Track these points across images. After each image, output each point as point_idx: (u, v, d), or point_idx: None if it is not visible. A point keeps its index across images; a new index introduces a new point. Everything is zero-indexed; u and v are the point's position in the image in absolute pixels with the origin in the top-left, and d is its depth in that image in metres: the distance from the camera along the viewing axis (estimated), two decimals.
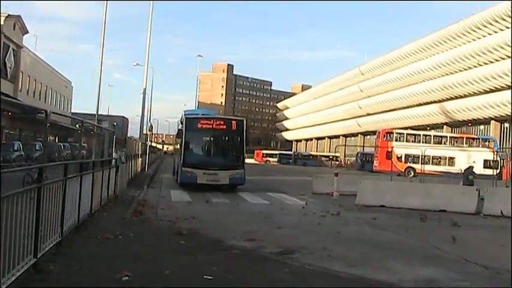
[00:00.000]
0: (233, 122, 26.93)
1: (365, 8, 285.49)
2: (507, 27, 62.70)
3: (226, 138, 27.01)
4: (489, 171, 45.15)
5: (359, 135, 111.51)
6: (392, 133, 60.96)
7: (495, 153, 49.43)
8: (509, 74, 60.25)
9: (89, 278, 7.54)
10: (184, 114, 27.67)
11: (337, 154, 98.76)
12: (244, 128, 26.43)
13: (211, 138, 26.57)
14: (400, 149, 55.01)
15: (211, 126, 26.22)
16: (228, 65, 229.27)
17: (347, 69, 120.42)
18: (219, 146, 26.90)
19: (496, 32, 65.75)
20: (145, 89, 47.68)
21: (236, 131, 26.31)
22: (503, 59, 63.88)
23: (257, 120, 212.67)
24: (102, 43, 42.36)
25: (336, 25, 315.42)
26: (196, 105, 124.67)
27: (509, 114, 61.88)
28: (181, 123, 26.95)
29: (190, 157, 25.65)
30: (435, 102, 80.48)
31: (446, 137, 63.15)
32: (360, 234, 13.84)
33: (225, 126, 26.54)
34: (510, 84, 60.22)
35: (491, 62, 66.55)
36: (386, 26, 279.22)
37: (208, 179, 24.83)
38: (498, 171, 45.43)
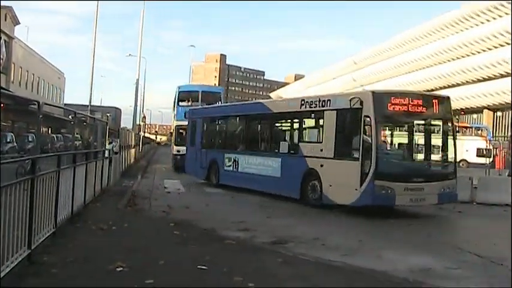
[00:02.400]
0: (437, 100, 16.66)
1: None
2: (500, 16, 62.74)
3: (431, 128, 17.21)
4: (482, 160, 45.45)
5: None
6: None
7: (488, 142, 49.60)
8: (503, 63, 60.32)
9: (83, 269, 7.53)
10: (373, 93, 15.62)
11: None
12: (452, 112, 17.28)
13: (413, 130, 17.06)
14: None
15: (411, 109, 15.72)
16: (221, 55, 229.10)
17: (340, 59, 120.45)
18: (422, 143, 17.20)
19: (488, 21, 65.77)
20: (138, 80, 47.67)
21: (443, 115, 16.77)
22: (495, 47, 63.93)
23: None
24: (95, 35, 42.23)
25: (329, 15, 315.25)
26: None
27: (502, 103, 61.97)
28: (357, 104, 15.46)
29: (385, 164, 15.50)
30: (428, 91, 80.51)
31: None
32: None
33: (428, 109, 16.19)
34: (503, 74, 60.28)
35: (484, 51, 66.61)
36: (380, 16, 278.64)
37: (411, 197, 15.36)
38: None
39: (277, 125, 21.22)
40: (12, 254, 6.64)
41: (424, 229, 13.11)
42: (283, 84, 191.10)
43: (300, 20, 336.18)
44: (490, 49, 65.70)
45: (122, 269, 7.47)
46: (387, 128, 17.02)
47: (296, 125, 19.24)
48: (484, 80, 66.92)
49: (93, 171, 14.50)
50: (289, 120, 19.96)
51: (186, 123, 29.76)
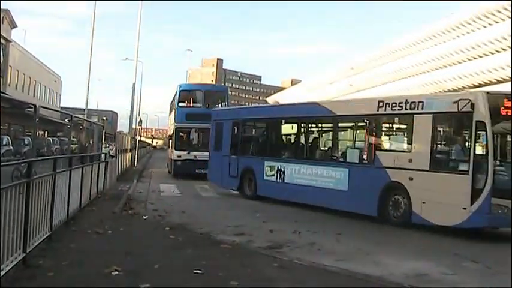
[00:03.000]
0: None
1: (355, 5, 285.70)
2: (496, 22, 62.91)
3: None
4: None
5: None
6: None
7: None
8: (499, 69, 60.49)
9: (78, 273, 7.51)
10: (487, 94, 13.34)
11: None
12: None
13: None
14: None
15: None
16: (218, 59, 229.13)
17: (337, 64, 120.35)
18: None
19: (485, 27, 65.95)
20: (134, 84, 47.52)
21: None
22: (492, 53, 64.10)
23: None
24: (92, 38, 42.23)
25: (325, 21, 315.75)
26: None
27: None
28: (466, 107, 13.08)
29: (503, 178, 13.25)
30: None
31: None
32: None
33: None
34: (499, 79, 60.46)
35: (480, 57, 66.77)
36: (377, 22, 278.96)
37: None
38: None
39: (341, 129, 18.41)
40: (8, 257, 6.62)
41: (420, 234, 13.11)
42: (280, 89, 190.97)
43: (297, 25, 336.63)
44: (486, 55, 65.88)
45: (117, 272, 7.46)
46: (500, 135, 13.68)
47: (371, 131, 16.17)
48: (480, 86, 67.06)
49: (89, 174, 14.50)
50: (360, 125, 16.97)
51: (188, 125, 29.72)
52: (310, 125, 19.47)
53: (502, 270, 9.42)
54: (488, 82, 64.84)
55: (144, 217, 13.80)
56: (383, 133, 16.29)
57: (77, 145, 16.87)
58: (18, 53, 57.61)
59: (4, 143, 35.57)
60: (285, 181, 18.78)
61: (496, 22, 62.21)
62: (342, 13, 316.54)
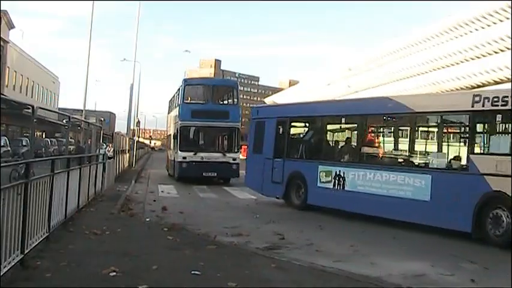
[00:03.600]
0: None
1: (353, 5, 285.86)
2: (494, 23, 62.94)
3: None
4: None
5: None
6: None
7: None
8: (497, 70, 60.54)
9: (76, 274, 7.51)
10: None
11: None
12: None
13: None
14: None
15: None
16: (216, 60, 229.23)
17: (335, 65, 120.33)
18: None
19: (483, 28, 65.98)
20: (132, 85, 47.55)
21: None
22: (490, 54, 64.16)
23: (245, 115, 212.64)
24: (90, 39, 42.15)
25: (323, 22, 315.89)
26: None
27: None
28: None
29: None
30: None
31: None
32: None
33: None
34: (497, 80, 60.49)
35: (478, 58, 66.79)
36: (375, 23, 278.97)
37: None
38: None
39: (422, 129, 15.84)
40: (5, 258, 6.61)
41: (418, 235, 13.11)
42: (278, 90, 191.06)
43: (295, 25, 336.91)
44: (484, 56, 65.93)
45: (115, 273, 7.46)
46: None
47: (463, 130, 14.11)
48: (479, 86, 67.09)
49: (87, 175, 14.50)
50: (447, 123, 14.78)
51: (194, 123, 27.59)
52: (379, 124, 17.08)
53: (500, 270, 9.43)
54: (487, 83, 64.98)
55: (147, 220, 13.77)
56: (479, 133, 13.61)
57: (74, 146, 16.83)
58: (16, 53, 57.60)
59: (2, 143, 35.52)
60: (346, 189, 16.26)
61: (494, 23, 62.23)
62: (340, 14, 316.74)
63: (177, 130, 27.76)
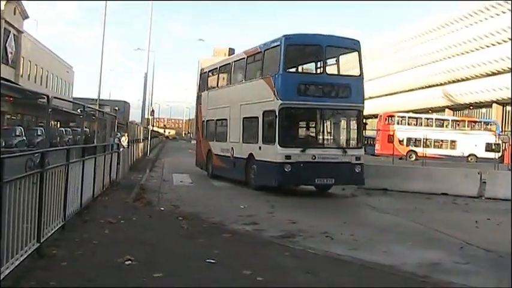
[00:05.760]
0: None
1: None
2: (503, 12, 62.39)
3: None
4: (491, 155, 45.36)
5: None
6: (394, 116, 60.79)
7: (497, 136, 49.49)
8: (506, 59, 60.12)
9: (91, 263, 7.55)
10: None
11: None
12: None
13: None
14: (402, 132, 55.24)
15: None
16: (230, 49, 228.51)
17: None
18: None
19: (498, 15, 65.40)
20: (146, 73, 47.64)
21: None
22: (505, 42, 63.60)
23: None
24: (104, 28, 42.28)
25: (336, 5, 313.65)
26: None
27: (511, 97, 61.79)
28: None
29: None
30: (437, 85, 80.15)
31: (448, 120, 62.90)
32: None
33: None
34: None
35: (494, 45, 66.25)
36: (387, 7, 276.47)
37: None
38: (500, 154, 45.55)
39: None
40: (22, 247, 6.66)
41: (432, 224, 13.06)
42: None
43: (306, 13, 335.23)
44: (499, 43, 65.37)
45: (130, 262, 7.50)
46: None
47: None
48: (494, 74, 66.59)
49: (101, 164, 14.55)
50: None
51: (303, 103, 18.37)
52: None
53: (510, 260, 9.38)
54: (485, 74, 64.77)
55: (162, 208, 13.80)
56: None
57: (89, 135, 16.92)
58: (30, 43, 57.88)
59: (17, 133, 35.79)
60: None
61: (504, 12, 61.78)
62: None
63: (277, 114, 18.05)
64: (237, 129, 21.34)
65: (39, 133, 37.10)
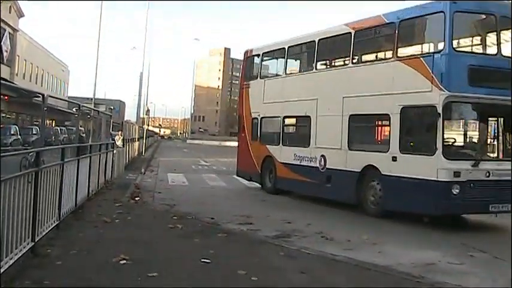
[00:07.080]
0: None
1: None
2: None
3: None
4: None
5: None
6: None
7: None
8: None
9: (86, 262, 7.55)
10: None
11: None
12: None
13: None
14: None
15: None
16: (225, 48, 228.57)
17: None
18: None
19: None
20: (142, 73, 47.66)
21: None
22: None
23: None
24: (99, 27, 42.28)
25: (336, 5, 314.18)
26: (193, 89, 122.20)
27: None
28: None
29: None
30: None
31: None
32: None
33: None
34: None
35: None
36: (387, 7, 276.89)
37: None
38: None
39: None
40: (16, 246, 6.65)
41: (428, 224, 13.08)
42: None
43: (303, 11, 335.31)
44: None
45: (125, 261, 7.49)
46: None
47: None
48: None
49: (96, 164, 14.55)
50: None
51: (475, 96, 12.53)
52: None
53: (510, 259, 9.40)
54: None
55: (157, 208, 13.79)
56: None
57: (84, 134, 16.89)
58: (26, 42, 57.71)
59: (12, 132, 35.72)
60: None
61: None
62: None
63: (439, 110, 12.40)
64: (335, 131, 15.74)
65: (34, 132, 37.08)
